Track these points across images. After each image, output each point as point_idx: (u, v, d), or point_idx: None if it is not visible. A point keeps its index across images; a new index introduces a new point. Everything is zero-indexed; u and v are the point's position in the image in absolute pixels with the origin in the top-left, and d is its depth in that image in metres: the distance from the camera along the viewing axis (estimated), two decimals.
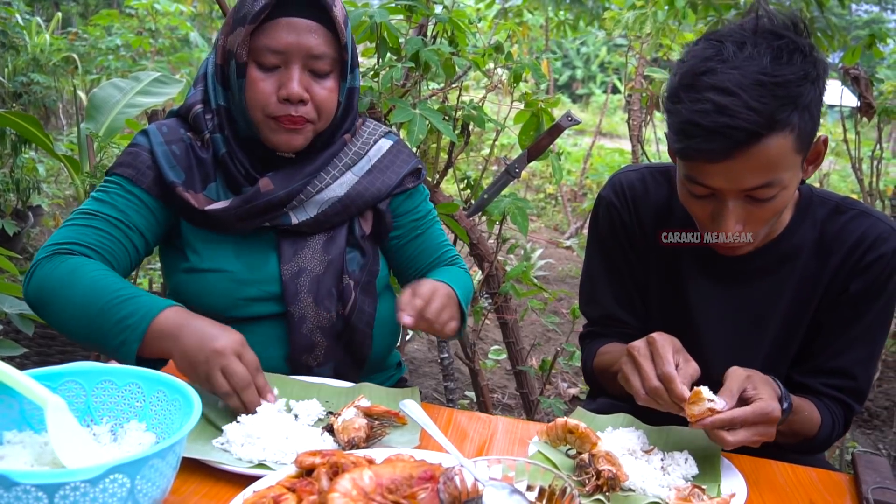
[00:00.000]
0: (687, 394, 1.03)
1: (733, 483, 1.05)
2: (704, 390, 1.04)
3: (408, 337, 3.15)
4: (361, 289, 1.42)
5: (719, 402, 1.03)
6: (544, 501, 0.84)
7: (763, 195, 1.12)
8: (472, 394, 2.91)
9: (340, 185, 1.40)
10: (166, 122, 1.39)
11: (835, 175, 7.61)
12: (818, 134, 1.16)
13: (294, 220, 1.36)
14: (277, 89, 1.28)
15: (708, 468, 1.09)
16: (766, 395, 1.06)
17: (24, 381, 0.88)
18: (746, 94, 1.05)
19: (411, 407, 1.02)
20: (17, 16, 5.68)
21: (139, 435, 0.94)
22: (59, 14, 7.13)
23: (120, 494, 0.76)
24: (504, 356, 2.81)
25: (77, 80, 5.85)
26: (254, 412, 1.08)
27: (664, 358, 1.06)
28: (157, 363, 1.14)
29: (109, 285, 1.18)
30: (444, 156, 2.29)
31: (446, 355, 2.32)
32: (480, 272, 2.30)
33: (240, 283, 1.34)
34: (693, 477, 1.07)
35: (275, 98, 1.28)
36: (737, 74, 1.06)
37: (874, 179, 3.17)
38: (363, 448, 1.03)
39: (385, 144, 1.47)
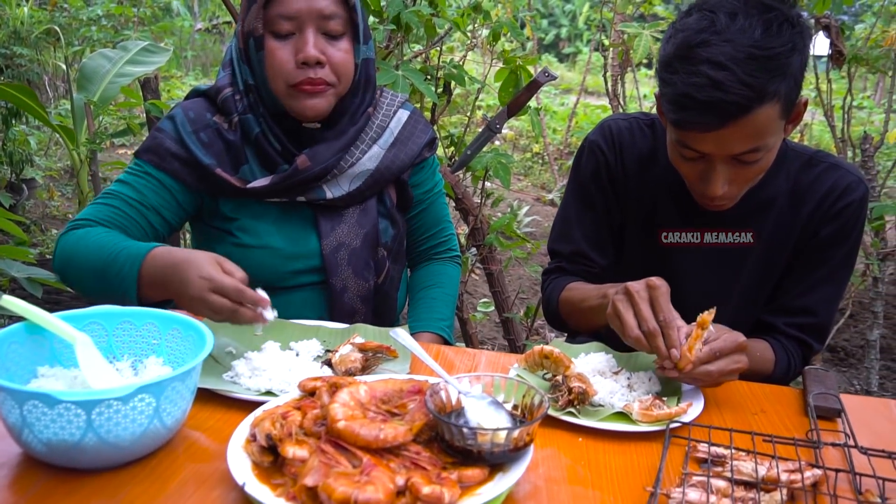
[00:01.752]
0: (682, 340, 1.11)
1: (691, 397, 1.17)
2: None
3: None
4: (393, 258, 1.54)
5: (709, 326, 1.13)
6: (519, 411, 0.95)
7: (750, 159, 1.22)
8: (461, 344, 3.04)
9: (370, 159, 1.47)
10: (192, 105, 1.44)
11: (816, 125, 7.70)
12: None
13: (329, 195, 1.44)
14: (295, 55, 1.33)
15: (670, 385, 1.21)
16: (725, 330, 1.16)
17: (55, 322, 0.99)
18: (739, 69, 1.12)
19: (401, 334, 1.13)
20: None
21: (157, 368, 1.05)
22: None
23: (147, 412, 0.87)
24: (492, 308, 2.93)
25: (60, 52, 5.83)
26: (264, 321, 1.13)
27: (665, 305, 1.14)
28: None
29: (106, 244, 1.26)
30: (427, 115, 2.37)
31: None
32: (466, 225, 2.41)
33: (285, 258, 1.44)
34: (656, 392, 1.19)
35: (293, 64, 1.33)
36: (729, 48, 1.13)
37: (846, 126, 3.27)
38: (358, 376, 1.15)
39: (403, 115, 1.54)
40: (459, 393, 0.93)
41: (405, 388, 0.92)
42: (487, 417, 0.91)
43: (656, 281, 1.16)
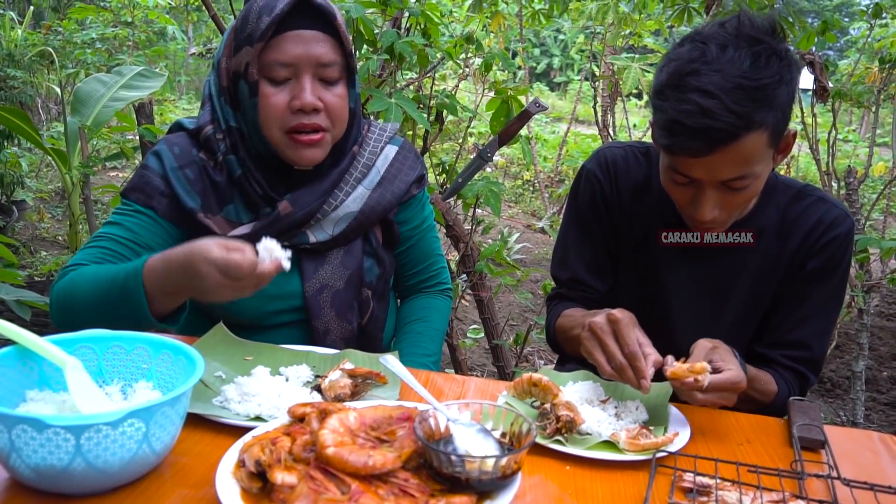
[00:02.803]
0: (650, 368, 1.14)
1: (678, 427, 1.18)
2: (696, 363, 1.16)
3: None
4: (378, 297, 1.53)
5: (705, 379, 1.14)
6: (507, 438, 0.96)
7: (738, 185, 1.25)
8: (450, 371, 3.04)
9: (354, 201, 1.45)
10: (177, 140, 1.42)
11: (803, 158, 7.81)
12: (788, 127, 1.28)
13: (312, 239, 1.43)
14: (290, 101, 1.31)
15: (657, 415, 1.22)
16: (734, 366, 1.18)
17: (45, 346, 0.99)
18: (727, 98, 1.15)
19: (391, 360, 1.14)
20: None
21: (147, 392, 1.05)
22: (32, 8, 7.11)
23: (136, 437, 0.87)
24: (481, 335, 2.94)
25: (53, 74, 5.86)
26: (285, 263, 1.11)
27: (628, 338, 1.16)
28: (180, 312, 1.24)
29: (102, 274, 1.25)
30: (420, 143, 2.40)
31: None
32: (456, 252, 2.42)
33: (267, 298, 1.41)
34: (643, 422, 1.20)
35: (288, 111, 1.31)
36: (719, 77, 1.17)
37: (830, 160, 3.32)
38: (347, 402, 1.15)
39: (391, 151, 1.51)
40: (448, 420, 0.94)
41: (394, 415, 0.93)
42: (476, 445, 0.91)
43: (618, 314, 1.18)
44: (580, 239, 1.56)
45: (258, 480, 0.87)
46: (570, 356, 1.58)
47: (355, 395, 1.19)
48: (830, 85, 3.11)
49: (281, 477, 0.84)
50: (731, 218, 1.34)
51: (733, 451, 1.16)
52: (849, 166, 2.98)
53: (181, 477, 0.97)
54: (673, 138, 1.21)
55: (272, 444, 0.91)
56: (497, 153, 8.54)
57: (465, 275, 2.38)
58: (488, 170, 9.07)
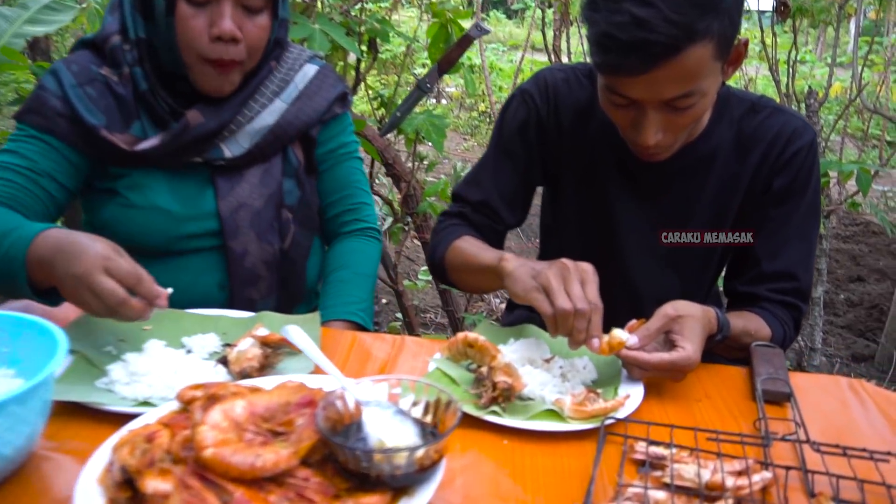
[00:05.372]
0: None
1: (631, 385, 1.06)
2: (617, 332, 1.05)
3: None
4: (300, 222, 1.41)
5: (630, 339, 1.04)
6: (432, 417, 0.82)
7: (683, 104, 1.10)
8: (398, 322, 2.91)
9: (270, 114, 1.36)
10: (75, 58, 1.30)
11: (761, 80, 7.70)
12: (738, 36, 1.13)
13: (227, 154, 1.32)
14: (209, 27, 1.21)
15: (607, 372, 1.10)
16: (689, 344, 1.05)
17: None
18: (665, 5, 1.01)
19: (293, 332, 0.99)
20: None
21: (6, 382, 0.89)
22: None
23: None
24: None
25: None
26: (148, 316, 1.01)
27: (595, 293, 1.04)
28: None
29: None
30: (352, 74, 2.19)
31: None
32: (398, 192, 2.26)
33: (177, 220, 1.30)
34: (592, 382, 1.08)
35: (206, 37, 1.21)
36: None
37: (790, 81, 3.19)
38: (255, 378, 1.00)
39: (311, 70, 1.43)
40: (357, 403, 0.80)
41: (293, 401, 0.78)
42: (391, 430, 0.78)
43: (589, 267, 1.06)
44: (501, 162, 1.40)
45: (127, 489, 0.72)
46: (452, 285, 1.44)
47: (265, 367, 1.04)
48: (791, 2, 2.95)
49: (152, 485, 0.69)
50: (679, 141, 1.20)
51: (690, 410, 1.05)
52: (809, 87, 2.86)
53: (50, 480, 0.82)
54: (606, 55, 1.06)
55: (148, 442, 0.76)
56: (452, 84, 8.27)
57: (409, 216, 2.22)
58: (443, 102, 8.78)
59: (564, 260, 1.07)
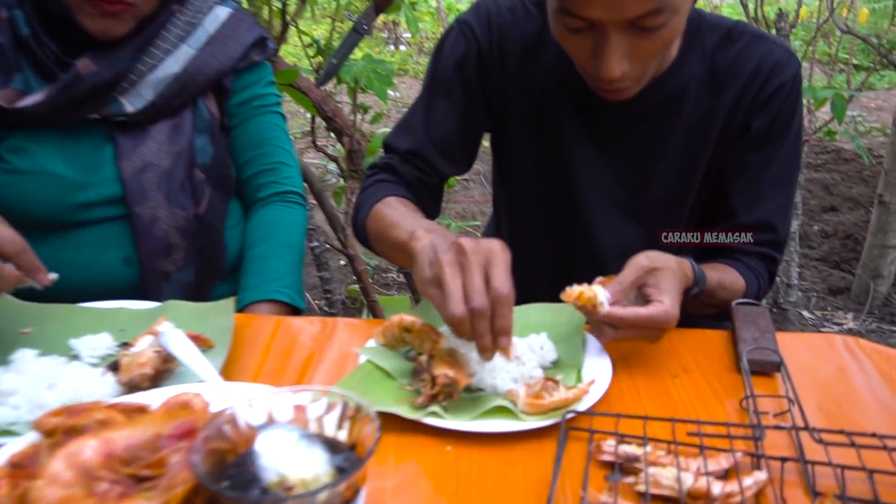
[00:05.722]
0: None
1: (597, 364, 0.90)
2: (585, 287, 0.89)
3: None
4: (215, 183, 1.25)
5: (602, 293, 0.88)
6: (344, 430, 0.66)
7: (651, 23, 0.91)
8: (355, 287, 2.74)
9: (176, 61, 1.20)
10: None
11: (726, 8, 7.48)
12: None
13: (129, 108, 1.16)
14: None
15: (569, 350, 0.94)
16: (666, 297, 0.89)
17: None
18: None
19: (169, 336, 0.82)
20: None
21: None
22: None
23: None
24: None
25: None
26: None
27: (502, 278, 0.80)
28: None
29: None
30: (279, 20, 1.97)
31: (316, 244, 2.11)
32: (342, 147, 2.06)
33: (71, 187, 1.14)
34: (552, 363, 0.93)
35: None
36: None
37: (758, 5, 3.01)
38: (147, 389, 0.83)
39: (222, 13, 1.26)
40: (251, 428, 0.63)
41: (164, 433, 0.61)
42: (295, 458, 0.61)
43: (496, 246, 0.83)
44: (435, 104, 1.20)
45: None
46: (378, 254, 1.22)
47: (161, 373, 0.87)
48: None
49: None
50: (647, 73, 1.02)
51: (666, 389, 0.90)
52: (780, 10, 2.68)
53: None
54: None
55: None
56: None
57: (353, 173, 2.03)
58: (402, 48, 8.45)
59: (463, 240, 0.83)
